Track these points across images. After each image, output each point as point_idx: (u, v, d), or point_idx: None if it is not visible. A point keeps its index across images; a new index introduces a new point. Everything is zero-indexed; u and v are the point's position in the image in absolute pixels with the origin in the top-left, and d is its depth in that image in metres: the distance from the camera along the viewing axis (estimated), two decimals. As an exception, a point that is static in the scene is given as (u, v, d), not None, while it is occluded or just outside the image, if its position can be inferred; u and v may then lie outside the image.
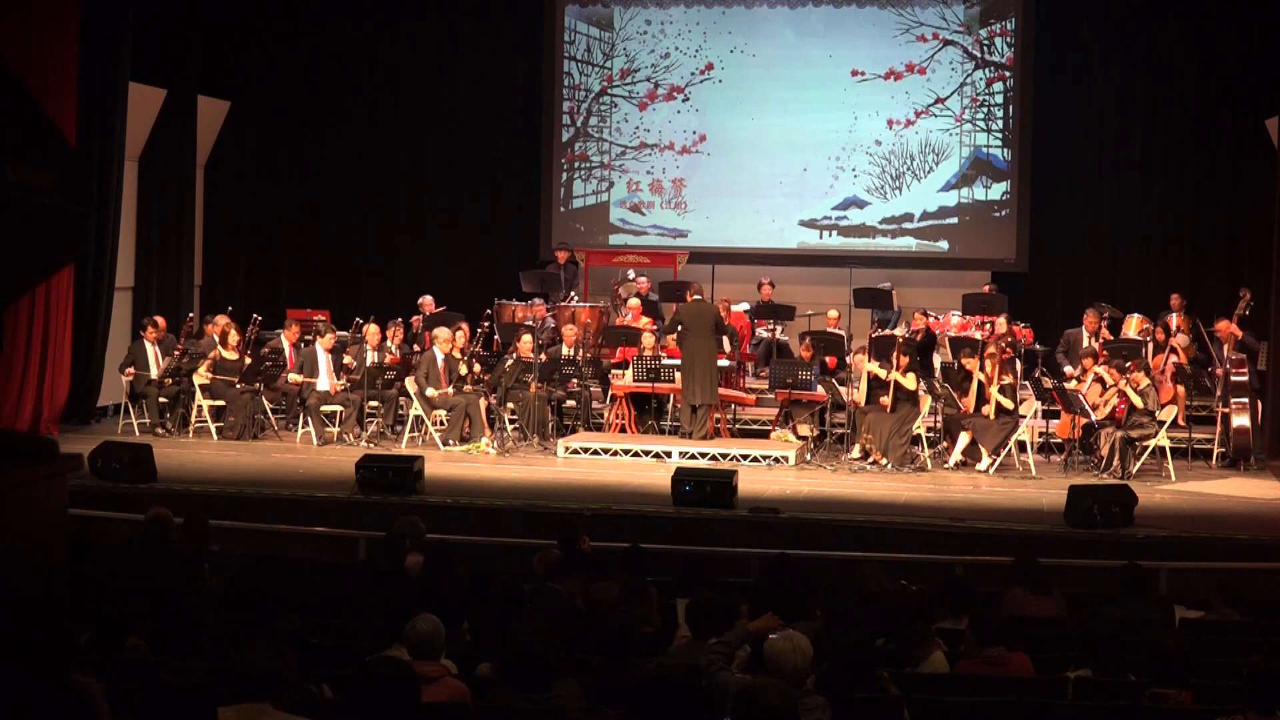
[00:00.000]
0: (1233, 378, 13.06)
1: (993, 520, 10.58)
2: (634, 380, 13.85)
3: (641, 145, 18.27)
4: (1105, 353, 13.48)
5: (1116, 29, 17.30)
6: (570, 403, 14.19)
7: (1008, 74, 17.62)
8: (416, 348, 14.85)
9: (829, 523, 10.43)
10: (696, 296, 13.64)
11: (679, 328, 13.51)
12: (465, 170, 18.63)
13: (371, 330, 14.35)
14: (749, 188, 18.06)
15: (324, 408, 13.71)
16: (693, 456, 12.68)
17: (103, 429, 14.10)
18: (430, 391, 13.51)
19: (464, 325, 14.49)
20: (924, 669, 6.28)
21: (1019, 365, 13.79)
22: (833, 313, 16.09)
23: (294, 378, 13.84)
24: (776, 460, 12.73)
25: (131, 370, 13.84)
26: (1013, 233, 17.64)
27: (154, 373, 13.87)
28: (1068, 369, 14.40)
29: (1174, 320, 14.88)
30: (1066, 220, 17.60)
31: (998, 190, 17.74)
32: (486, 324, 14.59)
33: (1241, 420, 12.94)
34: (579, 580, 7.28)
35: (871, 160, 17.88)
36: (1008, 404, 12.61)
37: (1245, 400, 12.95)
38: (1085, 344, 14.38)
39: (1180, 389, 13.25)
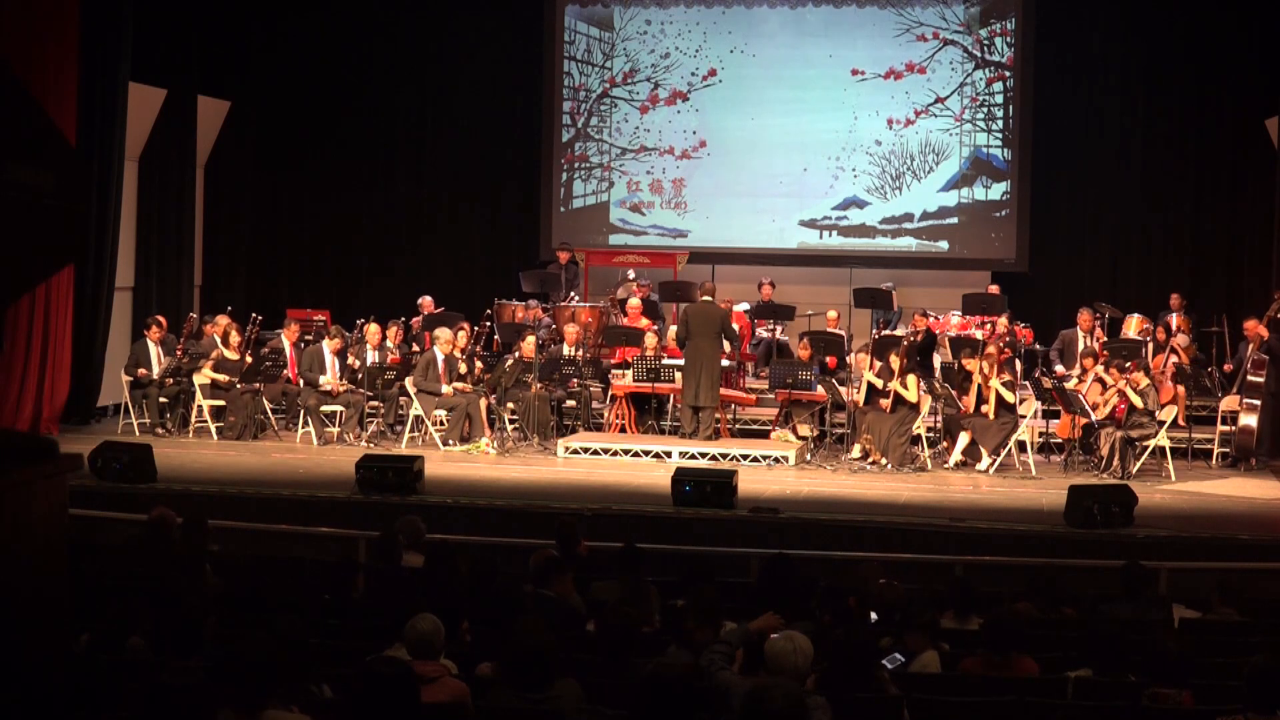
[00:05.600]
0: (1250, 377, 13.03)
1: (993, 520, 10.57)
2: (634, 380, 13.84)
3: (641, 148, 18.28)
4: (1105, 353, 13.48)
5: (1116, 29, 17.31)
6: (570, 403, 14.19)
7: (1008, 74, 17.63)
8: (416, 348, 14.85)
9: (829, 523, 10.42)
10: (706, 298, 13.54)
11: (686, 327, 13.47)
12: (465, 170, 18.64)
13: (372, 330, 14.35)
14: (749, 188, 18.07)
15: (324, 408, 13.71)
16: (693, 456, 12.67)
17: (103, 429, 14.09)
18: (445, 389, 13.49)
19: (464, 325, 14.49)
20: (915, 668, 6.28)
21: (1019, 365, 13.78)
22: (831, 313, 16.11)
23: (325, 381, 13.74)
24: (776, 460, 12.73)
25: (143, 371, 13.83)
26: (1013, 233, 17.66)
27: (157, 372, 13.87)
28: (1059, 368, 14.40)
29: (1174, 320, 14.89)
30: (1066, 220, 17.61)
31: (998, 190, 17.75)
32: (486, 324, 14.58)
33: (1249, 420, 12.93)
34: (570, 581, 7.27)
35: (871, 160, 17.89)
36: (1009, 397, 12.60)
37: (1257, 401, 12.93)
38: (1081, 343, 14.38)
39: (1180, 389, 13.25)
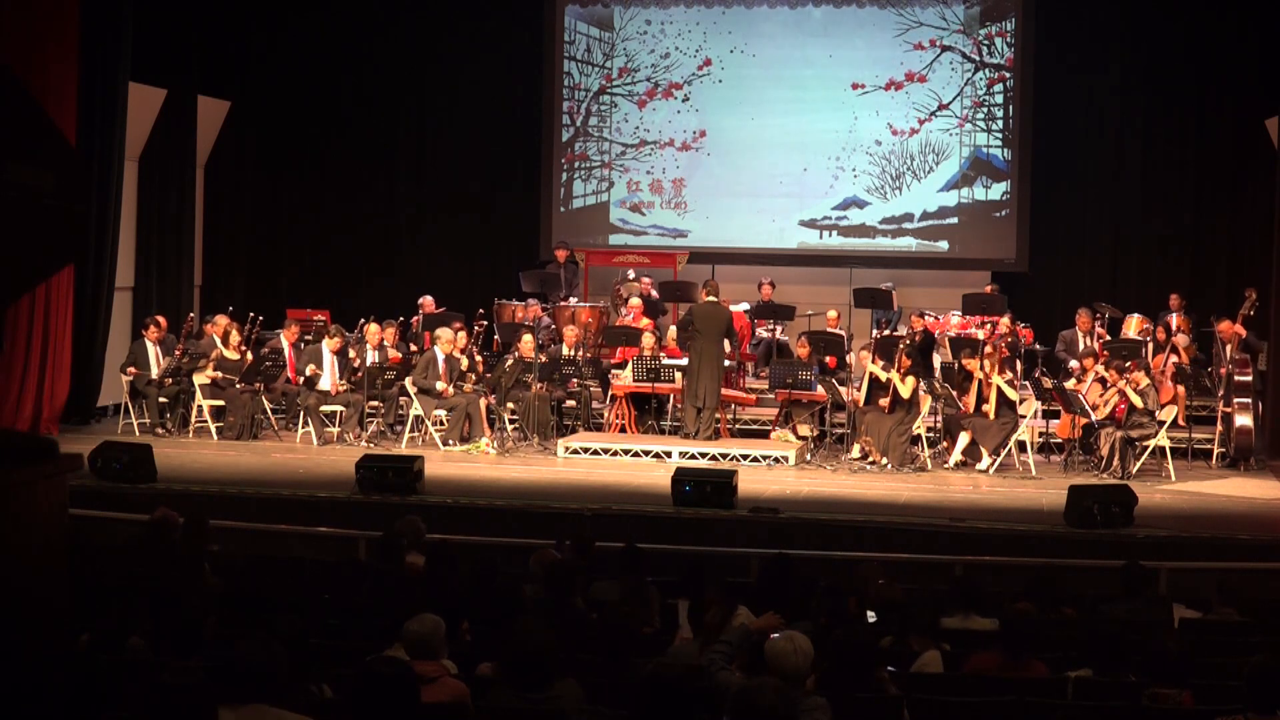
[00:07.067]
0: (1236, 377, 13.06)
1: (993, 520, 10.58)
2: (634, 380, 13.85)
3: (641, 143, 18.28)
4: (1105, 353, 13.48)
5: (1116, 28, 17.30)
6: (570, 403, 14.19)
7: (1007, 74, 17.62)
8: (415, 348, 14.84)
9: (829, 523, 10.42)
10: (711, 298, 13.47)
11: (690, 327, 13.45)
12: (465, 170, 18.63)
13: (372, 330, 14.35)
14: (749, 188, 18.06)
15: (324, 408, 13.71)
16: (693, 456, 12.67)
17: (103, 429, 14.09)
18: (440, 386, 13.49)
19: (459, 325, 14.46)
20: (917, 667, 6.28)
21: (1019, 365, 13.78)
22: (832, 313, 16.10)
23: (324, 383, 13.75)
24: (776, 460, 12.73)
25: (134, 370, 13.85)
26: (1013, 233, 17.65)
27: (154, 373, 13.87)
28: (1074, 364, 14.37)
29: (1174, 320, 14.88)
30: (1066, 220, 17.60)
31: (998, 190, 17.74)
32: (482, 323, 14.58)
33: (1244, 420, 12.94)
34: (582, 590, 7.25)
35: (871, 160, 17.88)
36: (1012, 394, 12.59)
37: (1248, 400, 12.95)
38: (1081, 344, 14.37)
39: (1180, 389, 13.25)
